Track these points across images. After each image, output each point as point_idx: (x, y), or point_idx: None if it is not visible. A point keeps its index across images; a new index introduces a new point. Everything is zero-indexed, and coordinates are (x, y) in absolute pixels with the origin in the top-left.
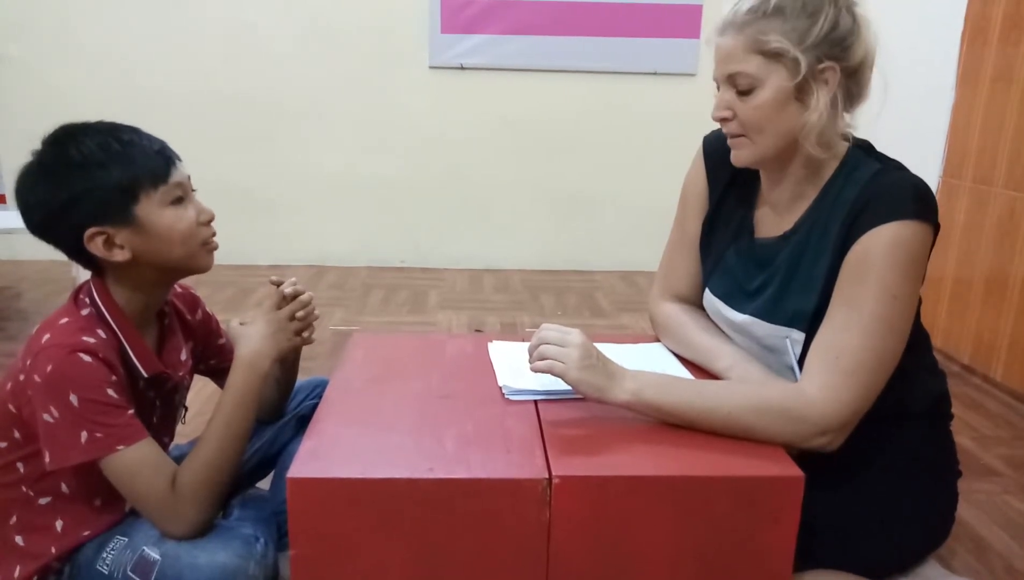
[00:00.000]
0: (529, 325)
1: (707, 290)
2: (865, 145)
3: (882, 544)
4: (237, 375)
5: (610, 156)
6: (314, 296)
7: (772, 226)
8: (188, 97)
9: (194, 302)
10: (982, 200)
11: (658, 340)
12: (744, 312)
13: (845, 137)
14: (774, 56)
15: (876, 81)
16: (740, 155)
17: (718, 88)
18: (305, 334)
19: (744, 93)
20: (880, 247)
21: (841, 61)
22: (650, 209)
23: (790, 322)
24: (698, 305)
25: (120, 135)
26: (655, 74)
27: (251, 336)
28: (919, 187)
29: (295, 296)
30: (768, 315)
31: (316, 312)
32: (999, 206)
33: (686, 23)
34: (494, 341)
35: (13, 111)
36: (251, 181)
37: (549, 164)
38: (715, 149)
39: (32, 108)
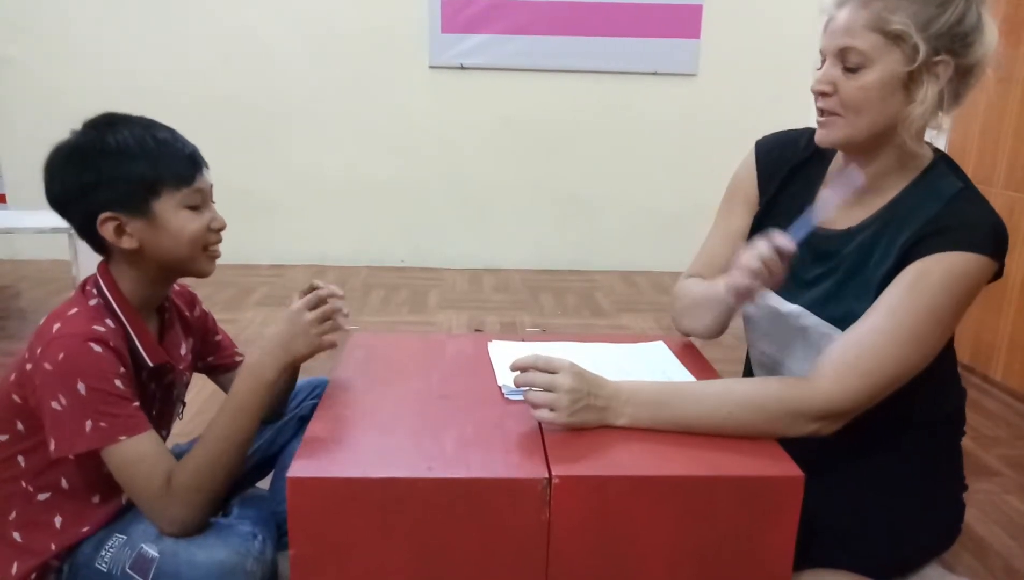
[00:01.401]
0: (529, 325)
1: None
2: (946, 156)
3: (884, 546)
4: (241, 382)
5: (610, 156)
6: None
7: (836, 216)
8: (188, 98)
9: (192, 299)
10: None
11: (659, 340)
12: (795, 301)
13: (929, 144)
14: (894, 38)
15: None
16: (828, 134)
17: (823, 61)
18: (331, 336)
19: (851, 70)
20: (943, 271)
21: (957, 57)
22: (650, 209)
23: (840, 321)
24: None
25: (156, 132)
26: (655, 74)
27: (265, 342)
28: (998, 225)
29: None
30: (819, 308)
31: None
32: (999, 206)
33: (686, 23)
34: (494, 341)
35: (13, 111)
36: (251, 181)
37: (549, 164)
38: (768, 152)
39: (32, 109)
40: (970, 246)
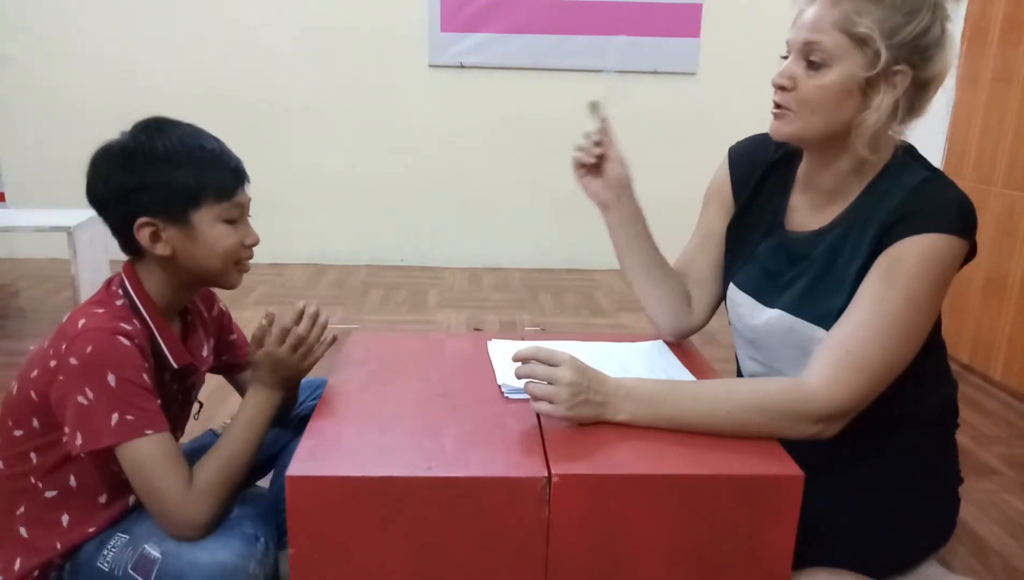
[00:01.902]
0: (529, 323)
1: (732, 286)
2: (911, 149)
3: (882, 544)
4: (240, 420)
5: None
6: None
7: (808, 219)
8: (188, 97)
9: (211, 299)
10: (982, 200)
11: (658, 339)
12: (774, 306)
13: (894, 136)
14: (858, 41)
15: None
16: (782, 128)
17: (787, 54)
18: (317, 349)
19: (813, 67)
20: (915, 255)
21: (916, 69)
22: (650, 208)
23: (819, 320)
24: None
25: (204, 142)
26: (655, 73)
27: (255, 387)
28: (964, 204)
29: (301, 320)
30: (796, 309)
31: (323, 317)
32: (999, 206)
33: (686, 22)
34: (493, 340)
35: (13, 111)
36: (251, 180)
37: (549, 163)
38: (740, 158)
39: (32, 108)
40: (937, 227)
